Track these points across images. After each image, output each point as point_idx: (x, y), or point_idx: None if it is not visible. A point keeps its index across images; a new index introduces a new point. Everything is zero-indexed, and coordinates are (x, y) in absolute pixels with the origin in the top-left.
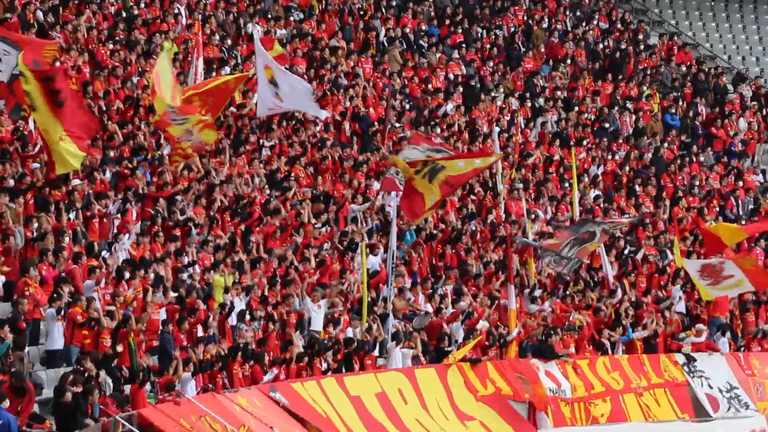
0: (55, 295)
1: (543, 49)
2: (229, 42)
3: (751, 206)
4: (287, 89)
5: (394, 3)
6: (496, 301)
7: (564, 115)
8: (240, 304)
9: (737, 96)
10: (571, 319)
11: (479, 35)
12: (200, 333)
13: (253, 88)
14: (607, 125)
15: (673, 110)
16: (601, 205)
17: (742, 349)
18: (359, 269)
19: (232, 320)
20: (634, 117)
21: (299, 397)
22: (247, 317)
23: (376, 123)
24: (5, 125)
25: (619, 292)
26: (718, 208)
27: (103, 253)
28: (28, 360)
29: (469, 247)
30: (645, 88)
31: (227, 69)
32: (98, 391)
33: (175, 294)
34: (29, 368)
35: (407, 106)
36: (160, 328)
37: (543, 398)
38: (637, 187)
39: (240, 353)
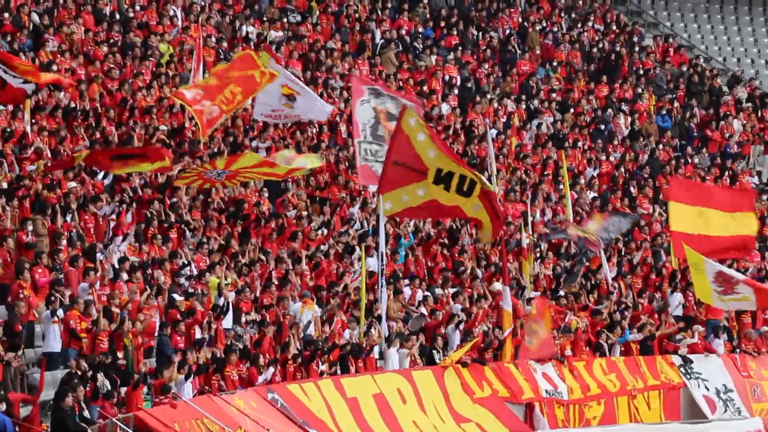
0: (52, 298)
1: (538, 52)
2: (225, 44)
3: None
4: (303, 104)
5: (389, 5)
6: (493, 303)
7: (560, 117)
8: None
9: (732, 98)
10: (566, 320)
11: (475, 38)
12: (197, 335)
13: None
14: (602, 127)
15: (666, 112)
16: (598, 208)
17: (738, 351)
18: (358, 271)
19: (227, 322)
20: (629, 119)
21: (296, 400)
22: (243, 319)
23: None
24: None
25: (616, 294)
26: None
27: (98, 255)
28: (24, 362)
29: (463, 248)
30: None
31: None
32: (96, 393)
33: (181, 298)
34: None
35: None
36: (157, 330)
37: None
38: (632, 189)
39: (235, 355)
